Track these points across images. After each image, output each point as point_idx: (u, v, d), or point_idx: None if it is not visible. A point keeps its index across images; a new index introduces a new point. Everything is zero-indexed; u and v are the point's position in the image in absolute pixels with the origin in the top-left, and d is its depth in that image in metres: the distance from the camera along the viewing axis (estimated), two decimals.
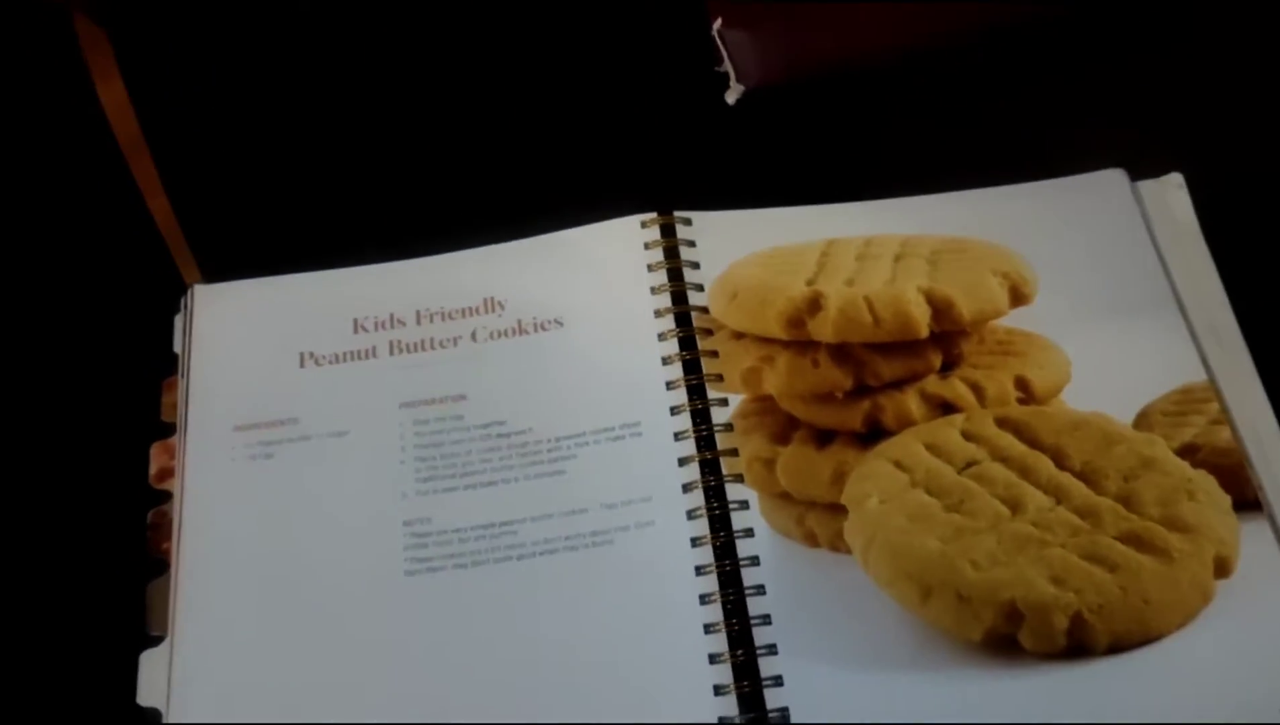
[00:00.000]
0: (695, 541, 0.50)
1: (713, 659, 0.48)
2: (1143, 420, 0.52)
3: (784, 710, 0.46)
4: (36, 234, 0.61)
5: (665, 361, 0.54)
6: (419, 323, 0.56)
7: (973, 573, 0.47)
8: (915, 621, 0.48)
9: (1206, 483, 0.49)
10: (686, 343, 0.54)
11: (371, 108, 0.63)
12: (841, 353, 0.53)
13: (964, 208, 0.57)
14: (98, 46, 0.61)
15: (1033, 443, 0.51)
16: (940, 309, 0.53)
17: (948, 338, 0.54)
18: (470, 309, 0.56)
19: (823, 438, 0.53)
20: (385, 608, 0.49)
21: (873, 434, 0.52)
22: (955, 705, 0.46)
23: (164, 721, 0.47)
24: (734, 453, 0.52)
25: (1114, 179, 0.58)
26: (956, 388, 0.53)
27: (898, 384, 0.53)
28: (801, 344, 0.53)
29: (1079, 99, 0.61)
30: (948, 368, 0.53)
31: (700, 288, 0.56)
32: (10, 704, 0.49)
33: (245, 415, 0.54)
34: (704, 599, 0.49)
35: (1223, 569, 0.48)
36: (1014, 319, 0.54)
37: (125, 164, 0.60)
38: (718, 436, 0.52)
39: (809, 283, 0.54)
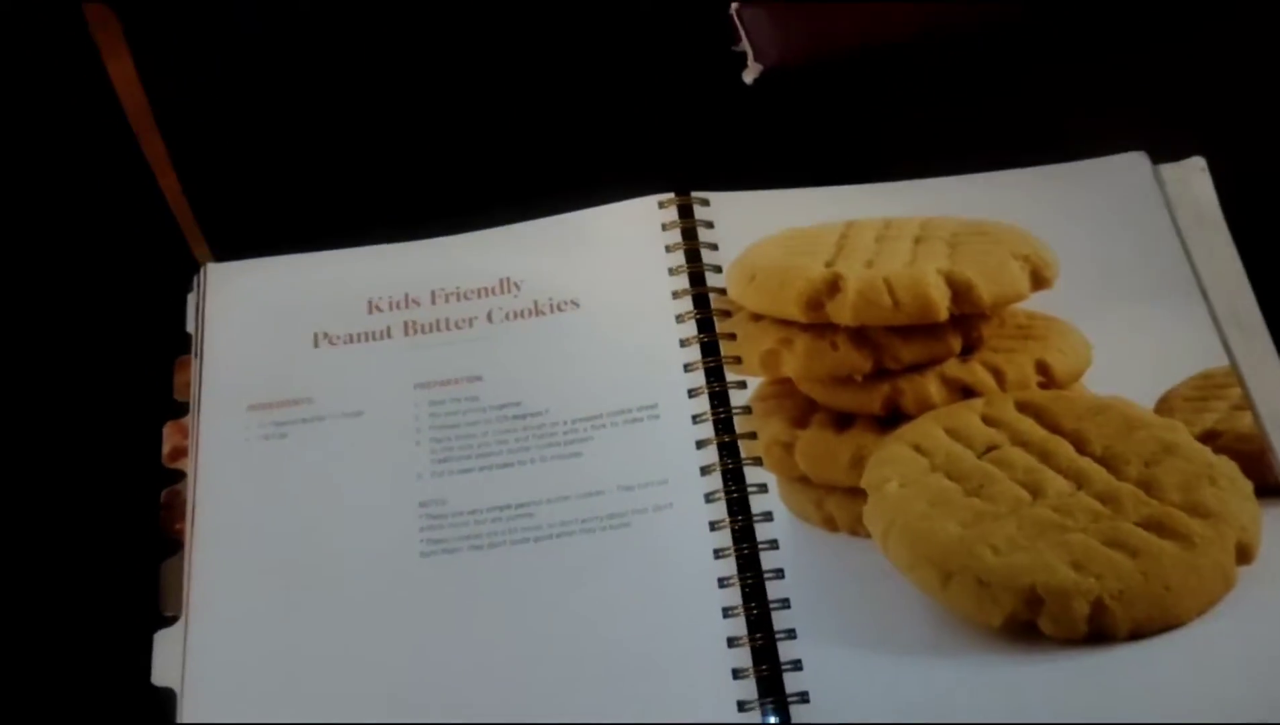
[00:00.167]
0: (713, 525, 0.50)
1: (731, 642, 0.47)
2: (1164, 405, 0.52)
3: (803, 694, 0.46)
4: (48, 214, 0.60)
5: (683, 343, 0.54)
6: (434, 303, 0.55)
7: (993, 558, 0.47)
8: (935, 607, 0.47)
9: (1228, 468, 0.49)
10: (704, 325, 0.54)
11: (387, 86, 0.63)
12: (861, 336, 0.53)
13: (984, 190, 0.57)
14: (106, 25, 0.61)
15: (1053, 427, 0.51)
16: (960, 292, 0.53)
17: (967, 321, 0.53)
18: (486, 289, 0.56)
19: (842, 421, 0.53)
20: (400, 589, 0.49)
21: (892, 418, 0.52)
22: (975, 691, 0.46)
23: (179, 701, 0.47)
24: (752, 436, 0.52)
25: (1136, 162, 0.57)
26: (977, 372, 0.52)
27: (917, 367, 0.53)
28: (820, 327, 0.53)
29: (1101, 81, 0.60)
30: (968, 351, 0.53)
31: (718, 269, 0.55)
32: (25, 684, 0.49)
33: (259, 395, 0.53)
34: (722, 582, 0.48)
35: (1244, 555, 0.48)
36: (1034, 302, 0.54)
37: (136, 143, 0.59)
38: (736, 419, 0.52)
39: (828, 264, 0.54)
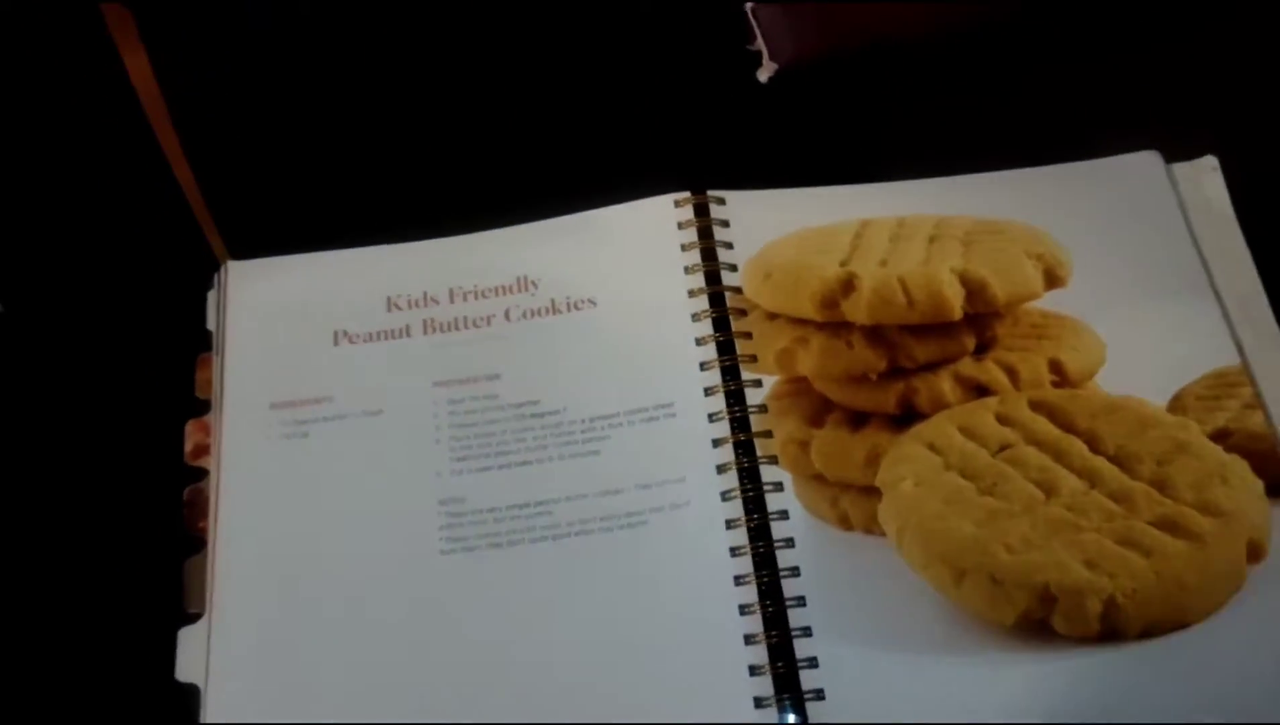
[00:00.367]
0: (730, 523, 0.50)
1: (748, 640, 0.48)
2: (1177, 404, 0.52)
3: (819, 691, 0.47)
4: (69, 212, 0.60)
5: (699, 342, 0.54)
6: (452, 301, 0.56)
7: (1006, 556, 0.47)
8: (949, 605, 0.48)
9: (1240, 467, 0.49)
10: (720, 323, 0.54)
11: (404, 85, 0.63)
12: (875, 334, 0.53)
13: (998, 189, 0.57)
14: (123, 24, 0.61)
15: (1067, 426, 0.51)
16: (974, 291, 0.53)
17: (982, 320, 0.53)
18: (503, 288, 0.56)
19: (857, 420, 0.53)
20: (420, 586, 0.50)
21: (907, 416, 0.52)
22: (988, 688, 0.46)
23: (202, 697, 0.48)
24: (768, 434, 0.52)
25: (1149, 161, 0.57)
26: (991, 370, 0.53)
27: (932, 366, 0.53)
28: (836, 325, 0.53)
29: (1114, 80, 0.60)
30: (982, 350, 0.53)
31: (734, 268, 0.56)
32: (51, 681, 0.50)
33: (280, 393, 0.54)
34: (739, 580, 0.49)
35: (1255, 554, 0.48)
36: (1048, 301, 0.54)
37: (156, 141, 0.60)
38: (752, 418, 0.52)
39: (843, 263, 0.54)
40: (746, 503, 0.50)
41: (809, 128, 0.61)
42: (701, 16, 0.63)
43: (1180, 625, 0.47)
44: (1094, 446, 0.50)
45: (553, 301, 0.56)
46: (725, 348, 0.54)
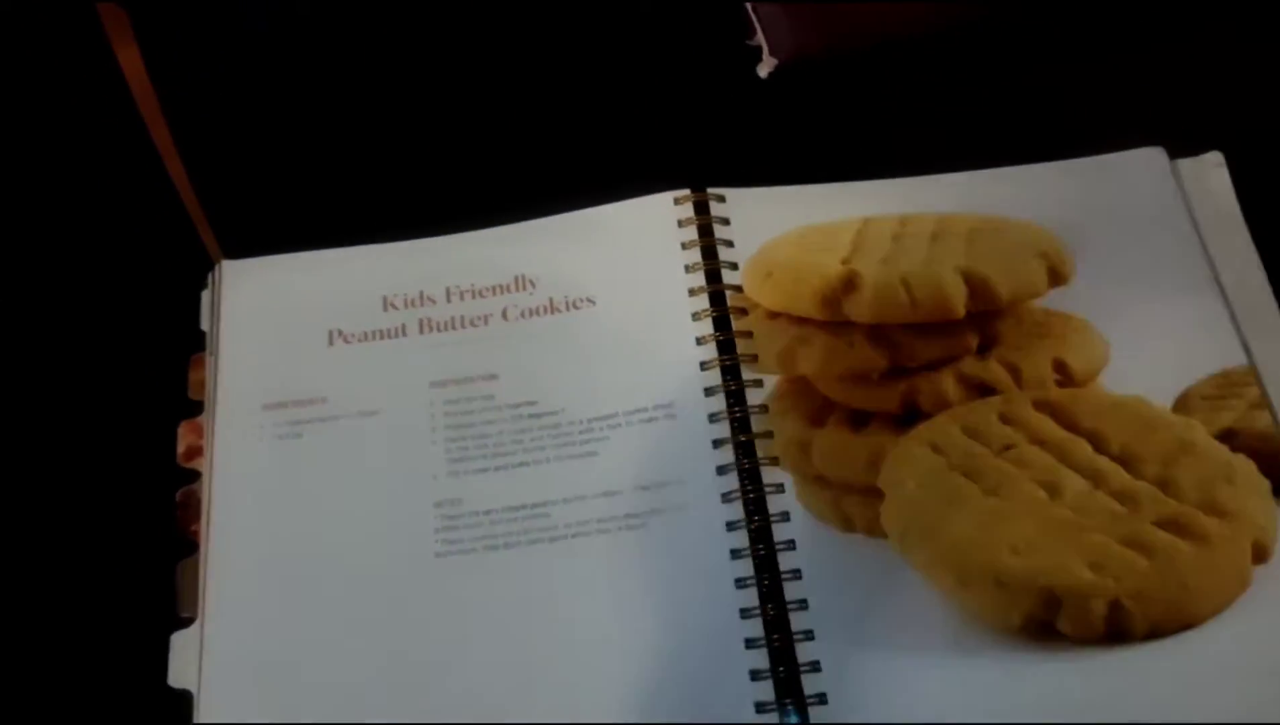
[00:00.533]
0: (730, 525, 0.49)
1: (749, 644, 0.47)
2: (1182, 404, 0.51)
3: (822, 695, 0.46)
4: (61, 210, 0.60)
5: (699, 342, 0.53)
6: (449, 301, 0.55)
7: (1010, 559, 0.47)
8: (953, 607, 0.47)
9: (1245, 467, 0.49)
10: (720, 323, 0.54)
11: (400, 82, 0.62)
12: (877, 333, 0.52)
13: (1000, 185, 0.57)
14: (118, 23, 0.60)
15: (1071, 426, 0.51)
16: (977, 289, 0.52)
17: (985, 319, 0.53)
18: (501, 287, 0.55)
19: (859, 420, 0.52)
20: (416, 590, 0.49)
21: (909, 416, 0.52)
22: (993, 691, 0.46)
23: (195, 703, 0.47)
24: (769, 435, 0.51)
25: (1152, 157, 0.57)
26: (994, 369, 0.52)
27: (934, 365, 0.52)
28: (837, 324, 0.53)
29: (1117, 75, 0.60)
30: (984, 349, 0.53)
31: (734, 266, 0.55)
32: (41, 688, 0.49)
33: (274, 394, 0.53)
34: (739, 583, 0.48)
35: (1261, 554, 0.48)
36: (1051, 300, 0.54)
37: (149, 138, 0.59)
38: (753, 418, 0.52)
39: (844, 261, 0.54)
40: (747, 505, 0.50)
41: (810, 124, 0.60)
42: (700, 11, 0.63)
43: (1186, 626, 0.46)
44: (1098, 447, 0.50)
45: (551, 301, 0.55)
46: (726, 347, 0.53)
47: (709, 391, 0.52)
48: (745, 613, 0.48)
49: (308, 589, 0.49)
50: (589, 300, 0.55)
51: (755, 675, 0.47)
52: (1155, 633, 0.46)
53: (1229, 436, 0.50)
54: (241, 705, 0.47)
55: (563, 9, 0.64)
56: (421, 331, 0.55)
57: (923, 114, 0.60)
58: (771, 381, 0.53)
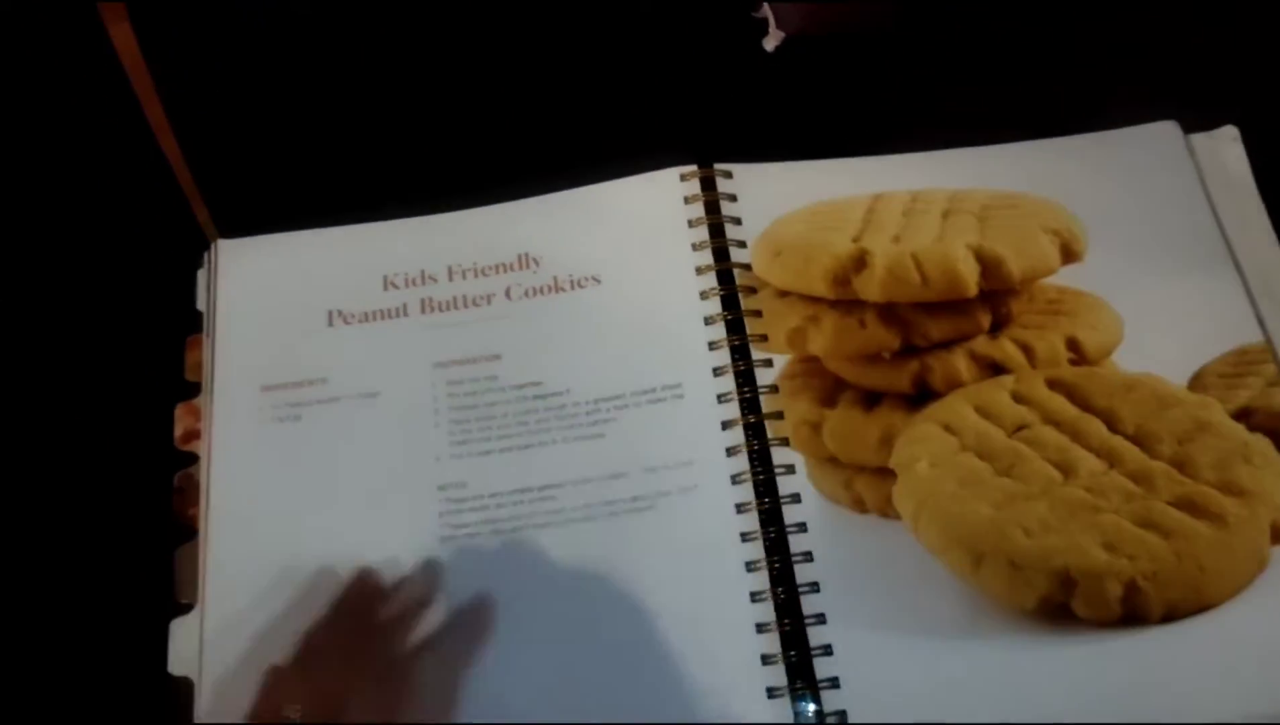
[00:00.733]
0: (740, 507, 0.49)
1: (760, 628, 0.47)
2: (1197, 382, 0.51)
3: (834, 679, 0.46)
4: (52, 189, 0.59)
5: (707, 321, 0.52)
6: (451, 279, 0.54)
7: (1025, 539, 0.46)
8: (967, 589, 0.47)
9: (1262, 446, 0.49)
10: (729, 301, 0.53)
11: (401, 56, 0.61)
12: (889, 312, 0.52)
13: (1013, 161, 0.56)
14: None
15: (1084, 405, 0.50)
16: (989, 267, 0.52)
17: (997, 297, 0.52)
18: (504, 265, 0.54)
19: (870, 400, 0.52)
20: (420, 574, 0.48)
21: (921, 396, 0.51)
22: (1008, 674, 0.45)
23: (196, 691, 0.46)
24: (779, 416, 0.51)
25: (1167, 132, 0.56)
26: (1006, 348, 0.52)
27: (946, 344, 0.52)
28: (848, 303, 0.52)
29: (1131, 50, 0.59)
30: (997, 328, 0.52)
31: (743, 244, 0.54)
32: (39, 677, 0.48)
33: (272, 375, 0.52)
34: (750, 566, 0.48)
35: (1279, 534, 0.47)
36: (1064, 277, 0.53)
37: (143, 115, 0.58)
38: (762, 399, 0.51)
39: (854, 239, 0.53)
40: (757, 486, 0.49)
41: (817, 98, 0.59)
42: None
43: (1203, 608, 0.46)
44: (1113, 426, 0.49)
45: (555, 279, 0.54)
46: (734, 327, 0.52)
47: (717, 372, 0.51)
48: (755, 596, 0.47)
49: (309, 574, 0.48)
50: (594, 279, 0.54)
51: (766, 660, 0.46)
52: (1172, 615, 0.46)
53: (1245, 414, 0.50)
54: (243, 693, 0.46)
55: None
56: (423, 311, 0.54)
57: (932, 88, 0.59)
58: (781, 361, 0.52)
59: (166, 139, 0.58)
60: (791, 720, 0.45)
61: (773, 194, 0.55)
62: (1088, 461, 0.48)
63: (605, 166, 0.55)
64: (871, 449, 0.50)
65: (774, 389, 0.51)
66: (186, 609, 0.48)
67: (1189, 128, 0.56)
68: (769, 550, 0.48)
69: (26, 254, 0.57)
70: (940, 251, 0.52)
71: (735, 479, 0.49)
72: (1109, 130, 0.56)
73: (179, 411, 0.52)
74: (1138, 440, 0.49)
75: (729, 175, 0.55)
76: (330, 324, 0.53)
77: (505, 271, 0.54)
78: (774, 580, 0.47)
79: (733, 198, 0.55)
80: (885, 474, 0.49)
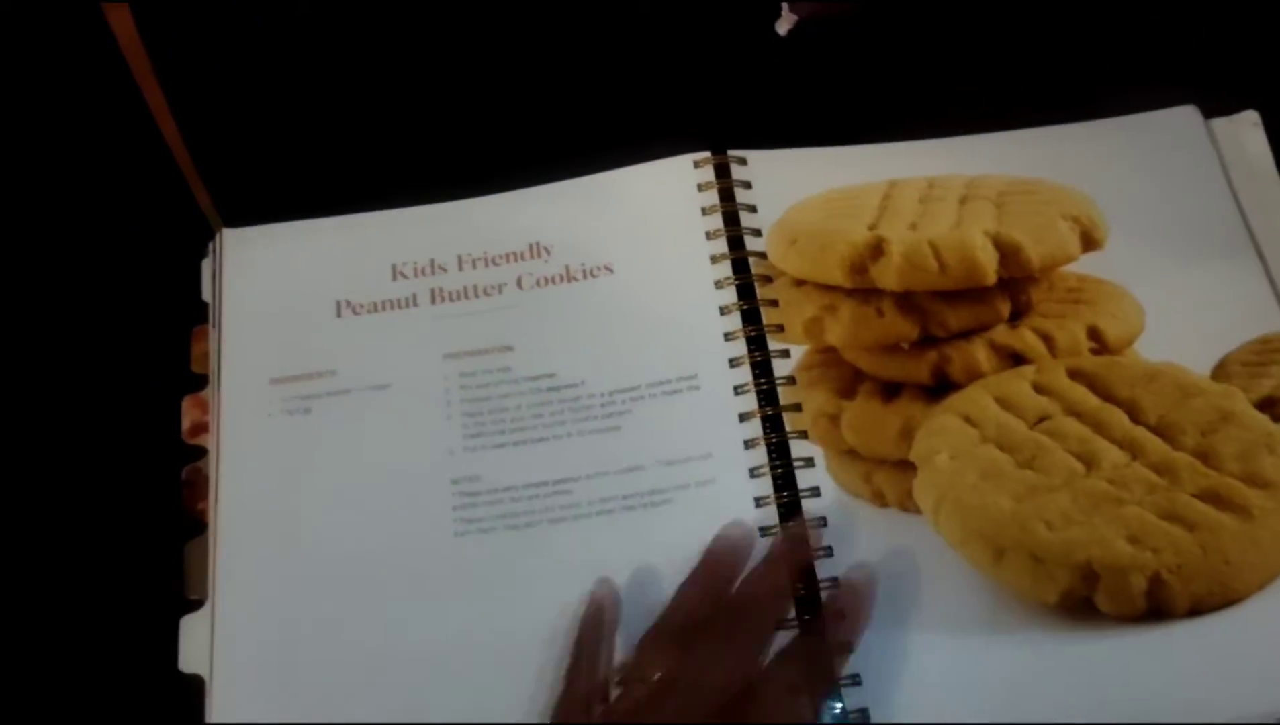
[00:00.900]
0: (759, 501, 0.48)
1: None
2: (1220, 371, 0.50)
3: (854, 676, 0.45)
4: (54, 178, 0.58)
5: (723, 311, 0.52)
6: (461, 269, 0.53)
7: (1047, 533, 0.46)
8: (989, 583, 0.46)
9: None
10: (744, 291, 0.52)
11: (410, 41, 0.60)
12: (907, 301, 0.51)
13: (1030, 146, 0.55)
14: None
15: (1106, 395, 0.49)
16: (1008, 254, 0.51)
17: (1016, 285, 0.52)
18: (515, 254, 0.54)
19: (889, 391, 0.51)
20: (433, 570, 0.48)
21: (940, 387, 0.51)
22: (1031, 669, 0.45)
23: (208, 688, 0.46)
24: (797, 408, 0.50)
25: (1187, 116, 0.56)
26: (1026, 337, 0.51)
27: (965, 334, 0.51)
28: (865, 292, 0.51)
29: (1150, 33, 0.58)
30: (1016, 317, 0.52)
31: (758, 232, 0.53)
32: (48, 676, 0.48)
33: (281, 367, 0.51)
34: None
35: None
36: (1084, 265, 0.52)
37: (144, 101, 0.57)
38: (780, 390, 0.50)
39: (871, 227, 0.52)
40: (776, 479, 0.48)
41: (831, 83, 0.58)
42: None
43: (1228, 602, 0.45)
44: (1135, 416, 0.49)
45: (567, 268, 0.53)
46: (750, 316, 0.51)
47: (734, 362, 0.51)
48: None
49: (321, 570, 0.48)
50: (607, 268, 0.53)
51: None
52: (1197, 609, 0.45)
53: (1269, 404, 0.49)
54: (255, 690, 0.46)
55: None
56: (433, 301, 0.53)
57: (949, 73, 0.58)
58: (798, 352, 0.51)
59: (169, 126, 0.57)
60: None
61: (788, 181, 0.54)
62: (1110, 453, 0.48)
63: (617, 153, 0.54)
64: (891, 441, 0.50)
65: (791, 380, 0.51)
66: (197, 605, 0.47)
67: (1209, 113, 0.56)
68: None
69: (29, 246, 0.56)
70: (958, 238, 0.51)
71: (753, 472, 0.49)
72: (1128, 115, 0.56)
73: (186, 404, 0.51)
74: (1160, 431, 0.48)
75: (743, 162, 0.55)
76: (339, 315, 0.53)
77: (516, 261, 0.54)
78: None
79: (747, 185, 0.54)
80: (906, 467, 0.49)
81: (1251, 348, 0.51)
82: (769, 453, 0.49)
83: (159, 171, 0.56)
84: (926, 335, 0.51)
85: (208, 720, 0.45)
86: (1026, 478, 0.47)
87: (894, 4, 0.59)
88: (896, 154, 0.55)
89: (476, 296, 0.53)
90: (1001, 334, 0.51)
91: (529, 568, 0.48)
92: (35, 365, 0.53)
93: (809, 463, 0.49)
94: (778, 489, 0.48)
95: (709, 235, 0.53)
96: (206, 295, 0.53)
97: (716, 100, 0.58)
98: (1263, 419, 0.48)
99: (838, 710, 0.44)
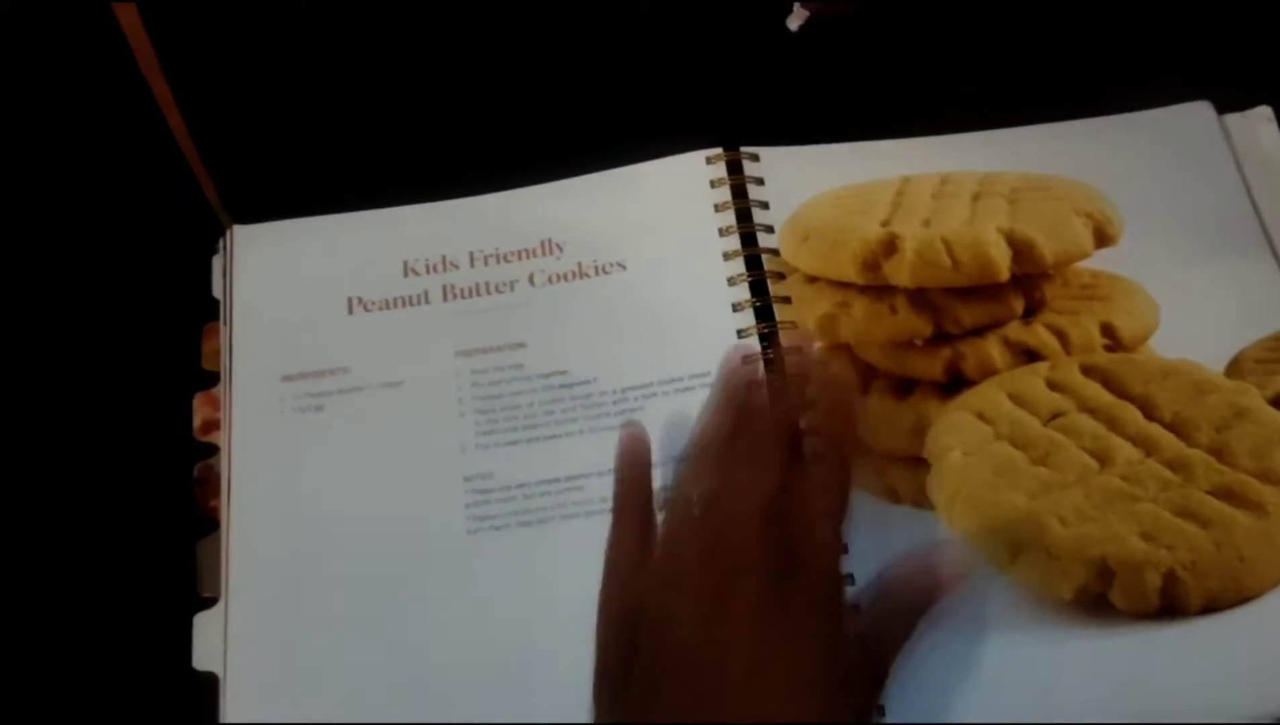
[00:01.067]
0: None
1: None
2: (1235, 368, 0.50)
3: None
4: (64, 174, 0.58)
5: (735, 308, 0.52)
6: (473, 265, 0.53)
7: (1061, 529, 0.46)
8: (1003, 580, 0.46)
9: None
10: (757, 288, 0.52)
11: (421, 36, 0.60)
12: (920, 298, 0.51)
13: (1043, 142, 0.55)
14: None
15: (1120, 392, 0.49)
16: (1021, 251, 0.51)
17: (1029, 281, 0.52)
18: (527, 251, 0.54)
19: (902, 388, 0.51)
20: (446, 567, 0.48)
21: (954, 383, 0.51)
22: (1045, 666, 0.45)
23: (222, 686, 0.46)
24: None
25: (1200, 112, 0.56)
26: (1040, 334, 0.51)
27: (979, 331, 0.51)
28: (878, 289, 0.51)
29: (1163, 28, 0.58)
30: (1030, 313, 0.52)
31: (770, 229, 0.53)
32: (60, 674, 0.47)
33: (292, 364, 0.51)
34: None
35: None
36: (1098, 261, 0.52)
37: (152, 98, 0.57)
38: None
39: (884, 223, 0.52)
40: None
41: (844, 79, 0.58)
42: None
43: (1243, 599, 0.45)
44: (1149, 413, 0.49)
45: (579, 265, 0.53)
46: (763, 313, 0.51)
47: (747, 360, 0.50)
48: None
49: (334, 567, 0.48)
50: (619, 265, 0.53)
51: None
52: (1211, 606, 0.45)
53: None
54: (270, 688, 0.46)
55: None
56: (445, 298, 0.53)
57: (963, 67, 0.58)
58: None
59: (178, 123, 0.57)
60: None
61: (800, 177, 0.54)
62: (1124, 450, 0.48)
63: (629, 149, 0.54)
64: (904, 438, 0.50)
65: None
66: (210, 603, 0.47)
67: (1223, 108, 0.56)
68: None
69: (39, 244, 0.56)
70: (971, 235, 0.51)
71: None
72: (1142, 111, 0.56)
73: (197, 401, 0.51)
74: (1175, 428, 0.48)
75: (756, 158, 0.55)
76: (350, 312, 0.53)
77: (528, 257, 0.53)
78: None
79: (760, 181, 0.54)
80: (919, 463, 0.49)
81: (1266, 344, 0.51)
82: None
83: (169, 169, 0.56)
84: (940, 332, 0.51)
85: (222, 718, 0.45)
86: (1040, 474, 0.47)
87: (902, 2, 0.58)
88: (909, 151, 0.55)
89: (488, 293, 0.53)
90: (1015, 331, 0.51)
91: (542, 565, 0.47)
92: (46, 363, 0.53)
93: None
94: None
95: (721, 232, 0.53)
96: (217, 292, 0.53)
97: (728, 96, 0.58)
98: (1277, 415, 0.48)
99: None
